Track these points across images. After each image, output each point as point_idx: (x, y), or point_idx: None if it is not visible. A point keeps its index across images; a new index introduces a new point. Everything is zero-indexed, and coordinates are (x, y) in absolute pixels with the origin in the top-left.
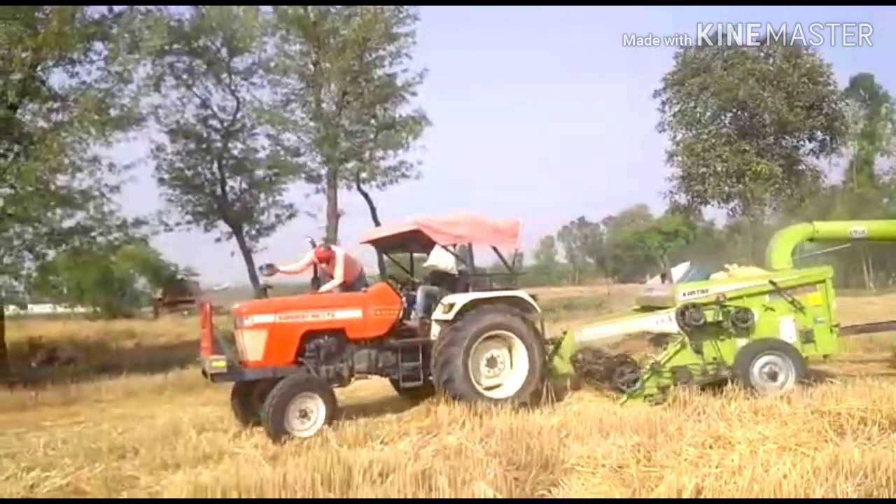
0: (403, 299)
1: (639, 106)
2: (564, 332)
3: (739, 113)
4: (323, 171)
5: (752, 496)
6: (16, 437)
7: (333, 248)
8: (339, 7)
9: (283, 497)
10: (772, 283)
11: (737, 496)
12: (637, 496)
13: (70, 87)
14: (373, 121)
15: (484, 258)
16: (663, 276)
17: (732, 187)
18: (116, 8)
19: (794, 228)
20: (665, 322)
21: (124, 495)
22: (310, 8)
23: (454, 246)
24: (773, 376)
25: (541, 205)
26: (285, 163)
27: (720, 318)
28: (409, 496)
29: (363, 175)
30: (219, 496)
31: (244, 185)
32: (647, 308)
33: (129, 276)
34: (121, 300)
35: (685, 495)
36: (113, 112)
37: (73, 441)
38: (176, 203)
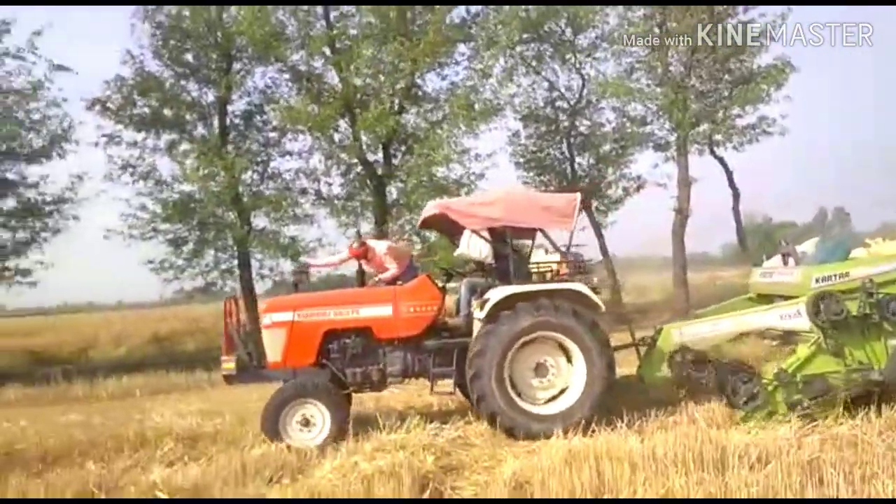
0: (460, 294)
1: None
2: (659, 330)
3: None
4: (672, 138)
5: None
6: (374, 401)
7: (369, 242)
8: None
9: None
10: None
11: None
12: None
13: (441, 88)
14: (726, 76)
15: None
16: (785, 257)
17: None
18: (473, 9)
19: None
20: (793, 317)
21: (505, 450)
22: None
23: (499, 230)
24: None
25: None
26: (632, 133)
27: (867, 310)
28: (796, 487)
29: (717, 137)
30: (591, 461)
31: (591, 161)
32: (766, 297)
33: None
34: None
35: None
36: (477, 106)
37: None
38: (531, 184)
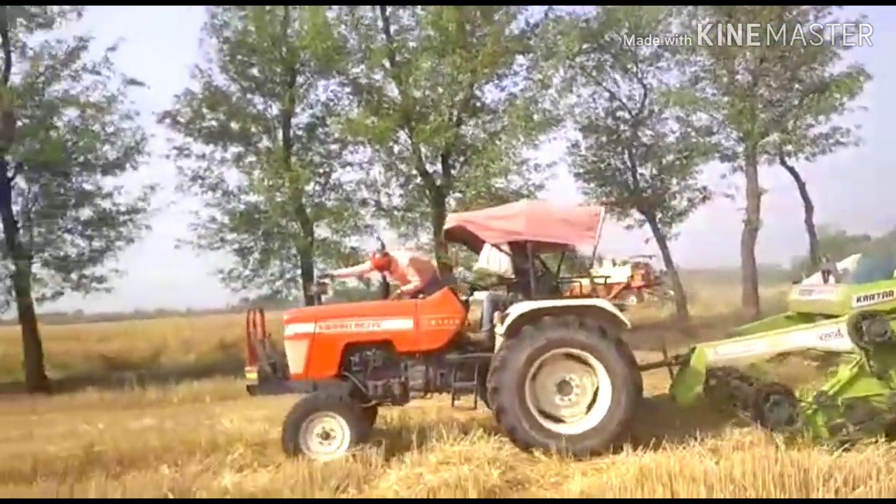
0: (483, 308)
1: None
2: (692, 349)
3: None
4: (739, 149)
5: None
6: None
7: (392, 253)
8: None
9: (727, 486)
10: None
11: None
12: None
13: (499, 99)
14: (797, 85)
15: None
16: (826, 274)
17: None
18: (532, 19)
19: None
20: (834, 336)
21: (573, 466)
22: None
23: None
24: None
25: None
26: (697, 144)
27: None
28: None
29: (787, 148)
30: (665, 480)
31: (654, 172)
32: (805, 316)
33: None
34: None
35: None
36: (536, 117)
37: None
38: (591, 195)
